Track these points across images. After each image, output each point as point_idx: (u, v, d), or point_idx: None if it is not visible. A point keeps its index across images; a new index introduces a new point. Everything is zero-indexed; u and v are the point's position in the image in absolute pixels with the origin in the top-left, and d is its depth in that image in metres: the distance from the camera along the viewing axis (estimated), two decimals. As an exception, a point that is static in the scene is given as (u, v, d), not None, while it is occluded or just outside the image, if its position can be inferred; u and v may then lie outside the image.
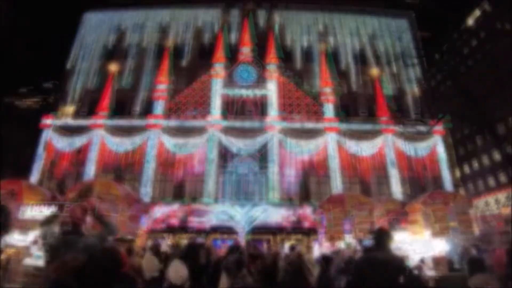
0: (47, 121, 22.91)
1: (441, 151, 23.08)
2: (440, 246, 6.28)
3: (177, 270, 3.30)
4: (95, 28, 27.51)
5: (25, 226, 6.98)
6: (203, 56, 25.62)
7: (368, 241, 7.26)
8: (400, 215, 7.20)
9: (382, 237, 3.32)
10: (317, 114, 23.46)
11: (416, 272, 5.44)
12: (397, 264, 3.29)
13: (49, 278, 2.11)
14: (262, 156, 22.05)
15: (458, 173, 23.11)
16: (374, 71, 25.61)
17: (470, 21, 40.50)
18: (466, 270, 4.93)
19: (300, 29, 27.50)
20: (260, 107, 23.79)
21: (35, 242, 7.39)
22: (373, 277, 3.05)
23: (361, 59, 27.08)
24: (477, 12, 40.69)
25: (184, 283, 3.24)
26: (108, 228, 3.45)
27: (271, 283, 2.87)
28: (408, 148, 22.82)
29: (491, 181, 36.36)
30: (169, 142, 21.99)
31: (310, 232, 18.03)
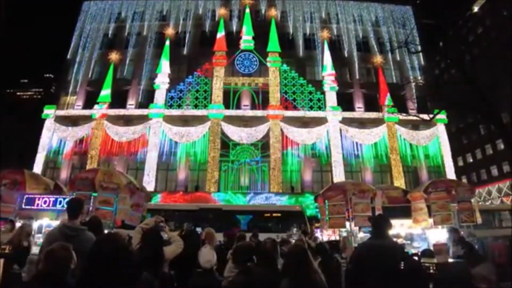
0: (48, 111, 22.85)
1: (442, 141, 23.02)
2: (437, 237, 6.29)
3: (205, 255, 3.48)
4: (95, 18, 27.13)
5: (29, 216, 7.01)
6: (204, 44, 25.28)
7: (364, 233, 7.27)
8: (402, 203, 7.16)
9: (381, 224, 3.30)
10: (318, 103, 23.27)
11: (416, 258, 5.46)
12: (397, 251, 3.28)
13: (39, 270, 2.09)
14: (263, 145, 22.02)
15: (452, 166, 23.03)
16: (377, 59, 25.21)
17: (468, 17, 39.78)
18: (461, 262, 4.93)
19: (302, 16, 26.96)
20: (261, 96, 23.61)
21: (39, 231, 7.46)
22: (373, 265, 3.04)
23: (364, 47, 26.65)
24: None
25: (213, 267, 3.44)
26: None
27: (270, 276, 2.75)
28: (410, 137, 22.69)
29: (484, 175, 36.46)
30: (170, 131, 21.98)
31: (312, 220, 18.09)
